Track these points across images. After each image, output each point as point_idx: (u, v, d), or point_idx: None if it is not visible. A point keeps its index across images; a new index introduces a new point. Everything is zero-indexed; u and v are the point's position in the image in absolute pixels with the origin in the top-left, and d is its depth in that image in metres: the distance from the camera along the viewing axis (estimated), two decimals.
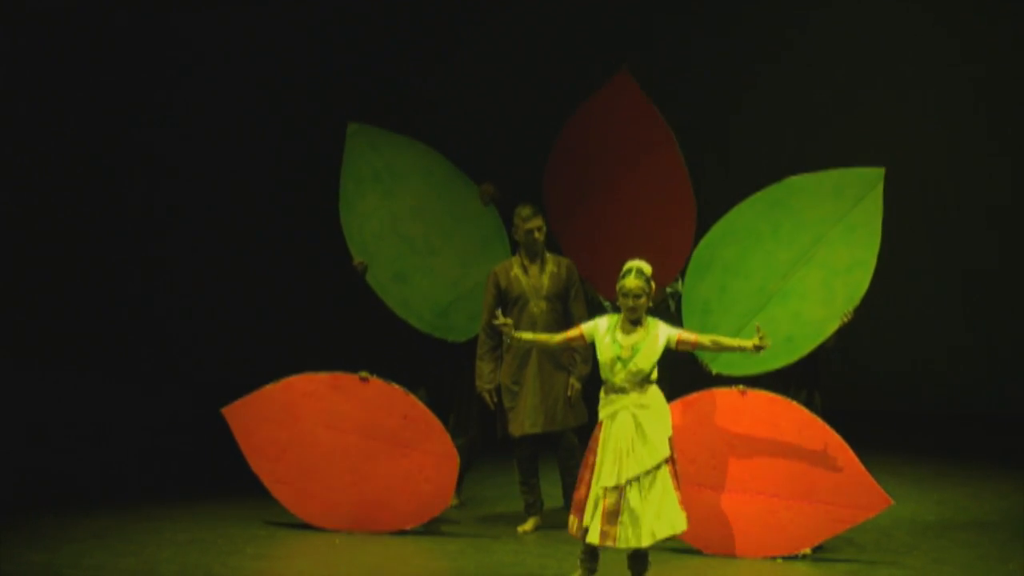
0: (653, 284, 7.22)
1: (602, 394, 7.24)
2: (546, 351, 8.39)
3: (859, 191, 8.25)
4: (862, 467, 7.78)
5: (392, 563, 7.88)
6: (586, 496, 7.12)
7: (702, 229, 8.56)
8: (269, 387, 8.52)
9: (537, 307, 8.46)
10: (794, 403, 7.97)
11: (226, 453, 8.76)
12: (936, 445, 12.12)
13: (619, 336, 7.17)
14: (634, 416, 7.11)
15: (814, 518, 7.83)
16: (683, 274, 8.74)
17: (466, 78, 13.87)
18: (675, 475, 7.14)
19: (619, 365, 7.14)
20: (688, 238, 8.60)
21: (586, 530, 7.09)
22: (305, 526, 8.48)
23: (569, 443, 8.56)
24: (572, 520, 7.19)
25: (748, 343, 7.26)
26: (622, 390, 7.14)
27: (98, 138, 14.03)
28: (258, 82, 14.13)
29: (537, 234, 8.47)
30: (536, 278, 8.49)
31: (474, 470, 9.24)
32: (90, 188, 14.04)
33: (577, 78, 9.98)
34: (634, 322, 7.19)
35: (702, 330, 8.17)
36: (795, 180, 8.42)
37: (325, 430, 8.45)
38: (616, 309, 9.16)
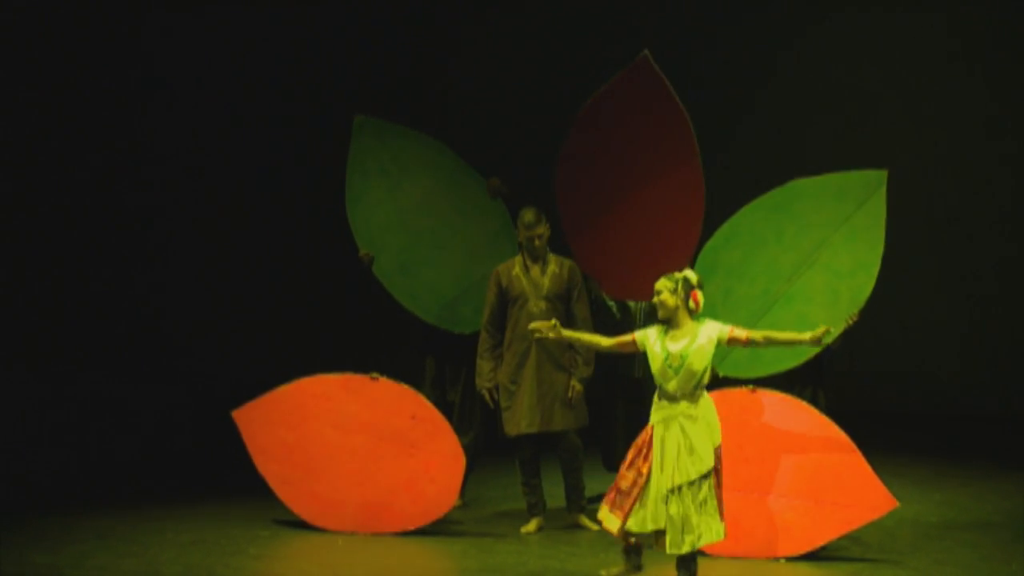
0: (679, 284, 7.19)
1: (656, 398, 7.27)
2: (546, 352, 8.39)
3: (862, 194, 8.26)
4: (869, 468, 7.78)
5: (395, 564, 7.87)
6: (634, 494, 7.14)
7: (706, 233, 8.56)
8: (280, 389, 8.51)
9: (536, 307, 8.46)
10: (804, 403, 7.98)
11: (229, 453, 8.76)
12: (939, 446, 12.11)
13: (668, 343, 7.18)
14: (682, 427, 7.13)
15: (820, 519, 7.83)
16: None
17: (474, 71, 13.87)
18: (719, 485, 7.16)
19: (670, 372, 7.16)
20: (695, 231, 8.60)
21: (624, 527, 7.14)
22: (308, 526, 8.48)
23: (571, 444, 8.56)
24: (610, 515, 7.20)
25: (805, 336, 7.20)
26: (673, 398, 7.17)
27: (100, 132, 14.02)
28: (264, 76, 14.12)
29: (537, 241, 8.48)
30: (537, 278, 8.50)
31: (477, 470, 9.23)
32: (92, 185, 14.02)
33: (585, 73, 9.97)
34: (671, 323, 7.19)
35: None
36: (798, 183, 8.42)
37: (333, 430, 8.45)
38: (621, 306, 9.20)
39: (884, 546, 8.21)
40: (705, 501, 7.10)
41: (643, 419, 8.65)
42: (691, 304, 7.21)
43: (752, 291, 8.36)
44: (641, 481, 7.17)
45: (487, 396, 8.56)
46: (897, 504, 7.80)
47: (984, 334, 13.45)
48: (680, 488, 7.08)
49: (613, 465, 9.42)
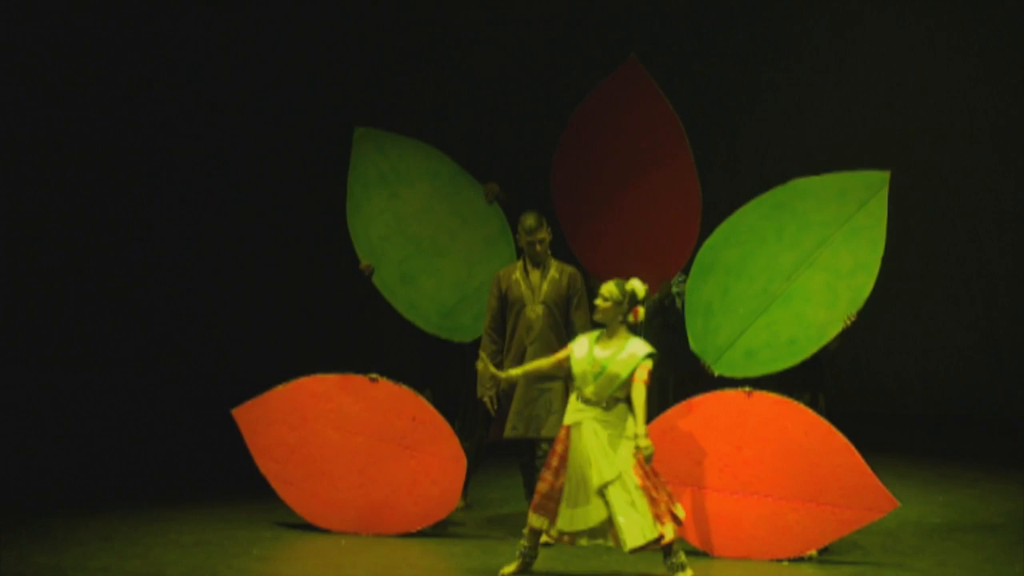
0: (627, 297, 7.35)
1: (573, 398, 7.42)
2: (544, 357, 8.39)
3: (864, 194, 8.25)
4: (868, 469, 7.77)
5: (398, 565, 7.88)
6: (555, 496, 7.30)
7: (706, 231, 8.56)
8: (279, 388, 8.53)
9: (533, 312, 8.46)
10: (800, 404, 7.97)
11: (232, 454, 8.77)
12: (942, 447, 12.11)
13: (596, 348, 7.33)
14: (595, 430, 7.28)
15: (820, 520, 7.82)
16: (686, 271, 8.77)
17: (469, 79, 13.88)
18: (647, 483, 7.24)
19: (589, 377, 7.31)
20: (693, 229, 8.62)
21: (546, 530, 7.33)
22: (311, 528, 8.49)
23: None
24: (536, 516, 7.36)
25: (636, 431, 7.23)
26: (589, 402, 7.34)
27: (104, 140, 14.05)
28: (266, 85, 14.15)
29: (539, 246, 8.45)
30: (535, 283, 8.49)
31: (480, 472, 9.24)
32: (96, 190, 14.05)
33: (580, 78, 10.00)
34: (606, 330, 7.33)
35: (704, 333, 8.26)
36: (800, 182, 8.41)
37: (334, 431, 8.46)
38: None
39: (887, 548, 8.21)
40: (633, 501, 7.20)
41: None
42: (631, 318, 7.38)
43: (751, 289, 8.35)
44: (559, 483, 7.31)
45: (488, 404, 8.54)
46: (898, 504, 7.80)
47: (987, 335, 13.44)
48: (606, 486, 7.21)
49: None
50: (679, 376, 9.29)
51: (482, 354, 7.93)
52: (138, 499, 9.41)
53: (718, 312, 8.37)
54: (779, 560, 7.90)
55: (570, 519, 7.31)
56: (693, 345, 8.38)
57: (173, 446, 11.62)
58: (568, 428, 7.37)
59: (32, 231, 13.88)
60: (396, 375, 8.46)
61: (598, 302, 7.39)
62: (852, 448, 7.79)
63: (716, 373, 8.27)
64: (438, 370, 9.15)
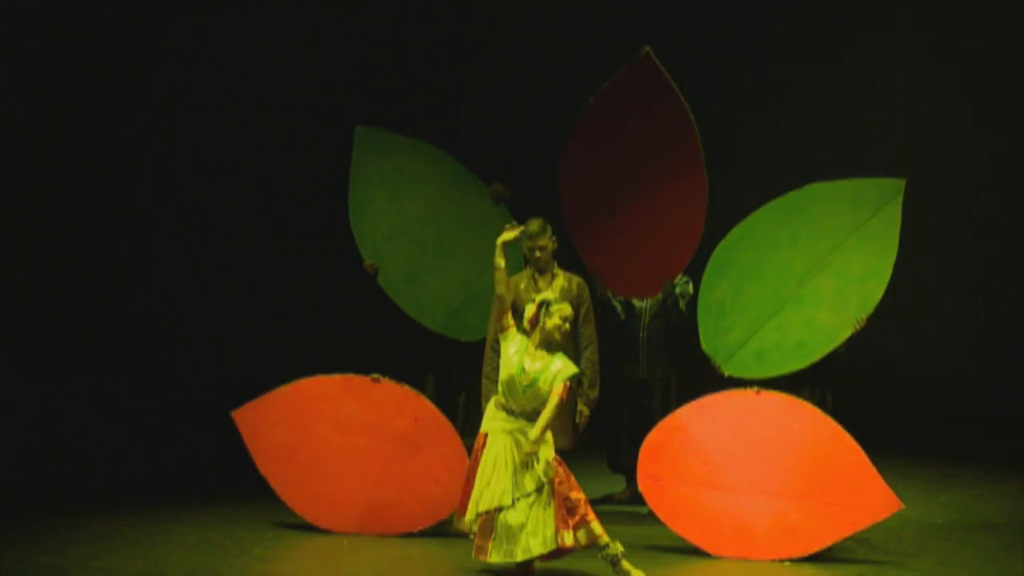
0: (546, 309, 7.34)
1: (492, 406, 7.44)
2: None
3: (878, 201, 8.26)
4: (874, 470, 7.77)
5: (400, 565, 7.87)
6: (469, 492, 7.43)
7: (720, 233, 8.56)
8: (279, 390, 8.52)
9: None
10: (807, 404, 7.98)
11: (234, 455, 8.76)
12: (944, 447, 12.11)
13: (526, 358, 7.34)
14: (516, 441, 7.32)
15: (825, 520, 7.82)
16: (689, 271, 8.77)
17: (478, 76, 13.88)
18: (554, 494, 7.29)
19: (517, 388, 7.32)
20: (697, 228, 8.61)
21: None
22: (313, 528, 8.49)
23: None
24: (457, 517, 7.52)
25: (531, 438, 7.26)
26: (513, 413, 7.36)
27: (102, 138, 14.03)
28: (267, 83, 14.14)
29: (539, 253, 8.35)
30: (543, 291, 8.38)
31: None
32: (95, 187, 14.04)
33: (586, 77, 9.98)
34: (541, 343, 7.32)
35: (716, 333, 8.26)
36: (815, 187, 8.43)
37: (335, 432, 8.45)
38: (626, 305, 9.21)
39: (889, 548, 8.21)
40: (543, 513, 7.27)
41: (648, 421, 8.70)
42: (529, 323, 7.39)
43: (763, 292, 8.36)
44: (472, 480, 7.40)
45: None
46: (902, 506, 7.80)
47: (990, 335, 13.45)
48: (518, 500, 7.27)
49: (618, 467, 9.43)
50: (682, 376, 9.30)
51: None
52: (140, 499, 9.40)
53: (730, 313, 8.38)
54: (782, 560, 7.90)
55: (476, 505, 7.39)
56: (704, 345, 8.39)
57: (175, 446, 11.62)
58: (486, 434, 7.41)
59: (32, 231, 13.87)
60: (399, 374, 8.45)
61: (565, 326, 7.35)
62: (859, 448, 7.80)
63: (727, 374, 8.27)
64: (441, 368, 9.15)
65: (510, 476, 7.31)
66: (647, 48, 8.65)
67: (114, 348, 14.06)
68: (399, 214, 9.10)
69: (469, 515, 7.39)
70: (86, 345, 13.90)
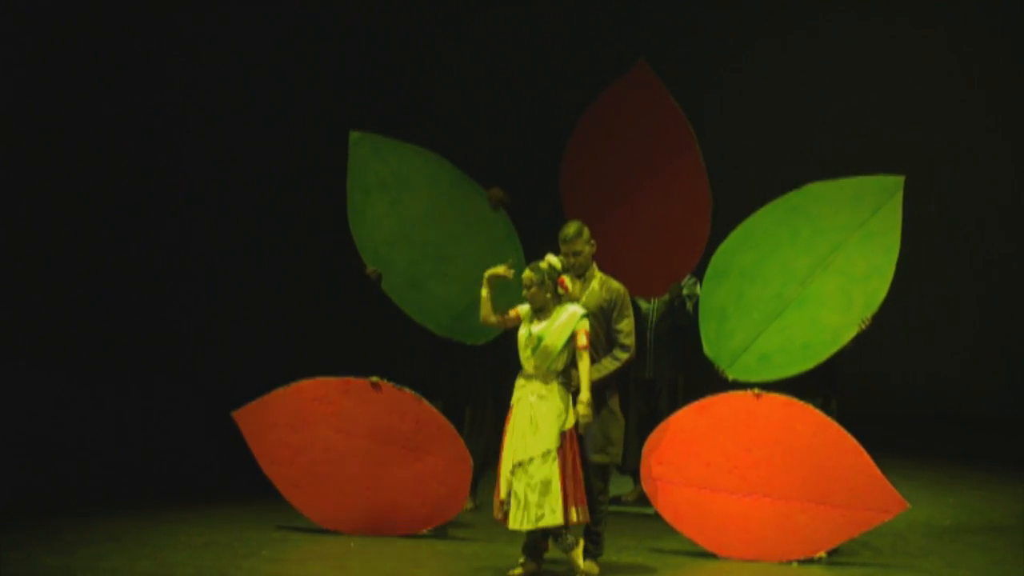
0: (545, 275, 7.48)
1: (517, 381, 7.56)
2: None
3: (879, 199, 8.24)
4: (877, 470, 7.77)
5: (406, 566, 7.88)
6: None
7: (720, 235, 8.55)
8: (279, 391, 8.53)
9: None
10: (809, 406, 7.96)
11: (241, 457, 8.77)
12: (952, 449, 12.10)
13: (532, 325, 7.51)
14: (531, 405, 7.42)
15: (830, 521, 7.82)
16: (696, 273, 8.76)
17: (477, 82, 13.89)
18: (566, 471, 7.35)
19: (528, 351, 7.47)
20: (703, 231, 8.62)
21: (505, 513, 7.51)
22: (320, 529, 8.50)
23: None
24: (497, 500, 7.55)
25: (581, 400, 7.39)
26: (529, 377, 7.49)
27: (105, 142, 14.05)
28: (271, 84, 14.15)
29: (572, 258, 7.92)
30: (575, 294, 8.20)
31: (488, 474, 9.23)
32: (94, 187, 14.05)
33: (583, 82, 10.01)
34: (542, 311, 7.49)
35: (718, 337, 8.24)
36: (814, 187, 8.41)
37: (337, 434, 8.46)
38: (633, 306, 9.19)
39: (896, 549, 8.21)
40: (548, 481, 7.33)
41: (655, 422, 8.69)
42: (559, 291, 7.54)
43: (766, 293, 8.34)
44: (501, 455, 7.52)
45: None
46: (907, 505, 7.79)
47: (996, 337, 13.44)
48: (522, 464, 7.37)
49: (626, 468, 9.42)
50: (688, 377, 9.29)
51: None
52: (148, 500, 9.42)
53: (732, 316, 8.36)
54: (788, 562, 7.90)
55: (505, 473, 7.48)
56: (707, 350, 8.36)
57: (183, 447, 11.63)
58: (512, 406, 7.52)
59: (33, 231, 13.88)
60: (403, 380, 8.45)
61: (528, 294, 7.50)
62: (861, 449, 7.79)
63: (731, 378, 8.25)
64: (447, 371, 9.14)
65: (521, 436, 7.41)
66: (642, 58, 8.75)
67: (122, 349, 14.08)
68: (399, 219, 9.09)
69: (502, 492, 7.47)
70: (93, 347, 13.92)
